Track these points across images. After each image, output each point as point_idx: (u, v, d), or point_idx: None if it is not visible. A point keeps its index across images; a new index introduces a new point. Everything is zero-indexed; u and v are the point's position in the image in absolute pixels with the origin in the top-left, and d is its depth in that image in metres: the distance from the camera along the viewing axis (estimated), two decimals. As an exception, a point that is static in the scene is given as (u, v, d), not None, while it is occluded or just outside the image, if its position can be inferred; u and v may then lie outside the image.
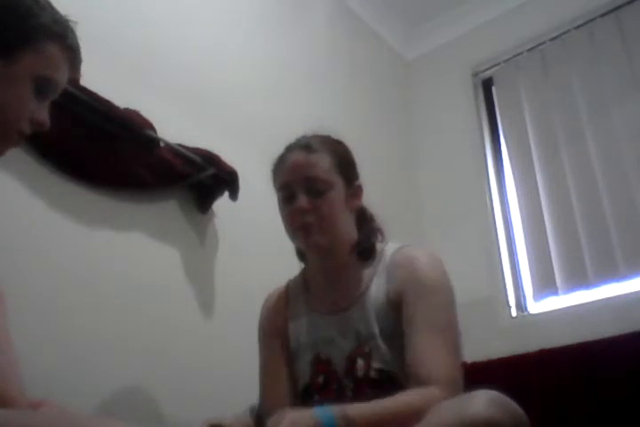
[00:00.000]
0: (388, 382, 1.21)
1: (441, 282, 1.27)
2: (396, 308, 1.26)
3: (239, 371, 1.80)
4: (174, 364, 1.74)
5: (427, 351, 1.16)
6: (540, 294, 2.66)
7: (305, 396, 1.30)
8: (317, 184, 1.32)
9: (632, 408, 2.02)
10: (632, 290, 2.42)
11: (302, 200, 1.30)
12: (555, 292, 2.61)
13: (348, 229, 1.37)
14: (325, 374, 1.29)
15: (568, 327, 2.39)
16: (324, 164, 1.35)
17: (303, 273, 1.49)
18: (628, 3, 2.79)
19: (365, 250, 1.37)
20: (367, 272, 1.35)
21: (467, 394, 1.04)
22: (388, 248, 1.38)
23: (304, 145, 1.38)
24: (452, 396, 1.09)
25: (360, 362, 1.25)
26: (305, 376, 1.32)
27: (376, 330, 1.26)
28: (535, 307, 2.68)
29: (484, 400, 0.97)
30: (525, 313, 2.69)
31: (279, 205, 1.38)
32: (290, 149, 1.40)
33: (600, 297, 2.48)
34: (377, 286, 1.32)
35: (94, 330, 1.59)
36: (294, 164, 1.35)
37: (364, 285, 1.33)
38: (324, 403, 1.23)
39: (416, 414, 1.04)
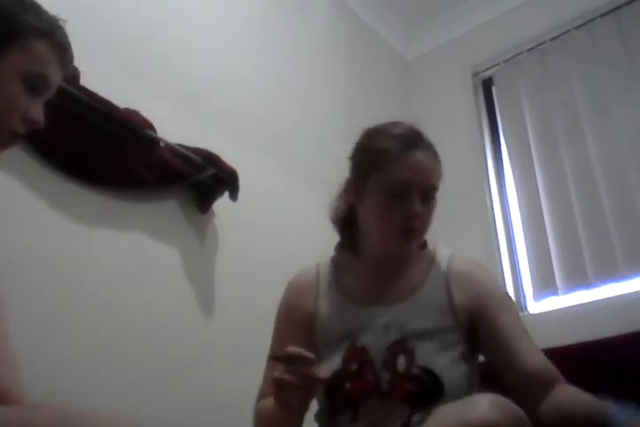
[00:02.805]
0: (430, 380, 1.20)
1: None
2: (462, 311, 1.28)
3: (239, 370, 1.80)
4: (174, 363, 1.74)
5: (536, 354, 1.24)
6: (539, 294, 2.66)
7: (333, 383, 1.26)
8: (434, 193, 1.32)
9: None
10: (632, 290, 2.41)
11: (419, 206, 1.28)
12: (555, 292, 2.60)
13: None
14: (359, 362, 1.26)
15: (568, 327, 2.39)
16: (441, 172, 1.34)
17: (339, 259, 1.44)
18: (628, 3, 2.79)
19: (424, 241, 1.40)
20: (420, 269, 1.35)
21: (469, 397, 1.03)
22: (441, 251, 1.39)
23: (429, 147, 1.34)
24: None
25: (402, 357, 1.23)
26: (335, 364, 1.28)
27: (426, 327, 1.26)
28: (535, 307, 2.68)
29: (486, 403, 0.97)
30: (525, 313, 2.69)
31: (380, 197, 1.31)
32: (411, 145, 1.31)
33: (600, 297, 2.48)
34: (435, 287, 1.31)
35: (94, 330, 1.59)
36: (423, 167, 1.30)
37: (417, 282, 1.33)
38: (357, 393, 1.23)
39: None
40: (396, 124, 1.39)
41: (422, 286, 1.32)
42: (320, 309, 1.36)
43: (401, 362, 1.23)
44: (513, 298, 2.70)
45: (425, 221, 1.31)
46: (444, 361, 1.22)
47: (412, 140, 1.33)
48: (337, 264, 1.43)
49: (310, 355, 1.07)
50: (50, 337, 1.49)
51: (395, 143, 1.32)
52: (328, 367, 1.27)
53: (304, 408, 1.19)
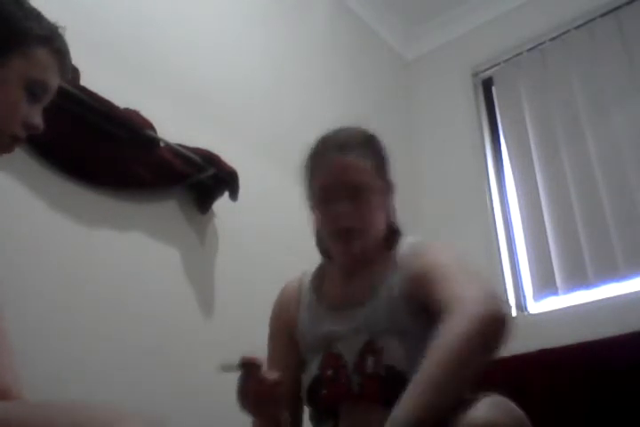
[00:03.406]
0: (397, 381, 1.18)
1: (457, 255, 1.27)
2: (410, 297, 1.25)
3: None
4: (173, 364, 1.74)
5: (450, 285, 1.15)
6: (539, 294, 2.66)
7: (312, 390, 1.29)
8: (359, 189, 1.30)
9: (632, 408, 2.02)
10: (632, 290, 2.41)
11: (344, 205, 1.29)
12: (555, 292, 2.61)
13: (381, 226, 1.36)
14: (335, 368, 1.27)
15: (568, 327, 2.39)
16: (365, 167, 1.33)
17: (321, 268, 1.46)
18: (628, 3, 2.79)
19: (393, 239, 1.38)
20: (383, 268, 1.34)
21: (468, 398, 1.03)
22: (402, 245, 1.36)
23: (344, 146, 1.33)
24: (492, 303, 1.08)
25: (370, 359, 1.23)
26: (314, 370, 1.30)
27: (388, 325, 1.25)
28: (535, 307, 2.68)
29: (485, 404, 0.97)
30: (525, 313, 2.69)
31: (314, 203, 1.35)
32: (328, 148, 1.34)
33: (600, 297, 2.48)
34: (391, 283, 1.31)
35: (94, 330, 1.59)
36: (336, 167, 1.31)
37: (379, 281, 1.32)
38: (332, 398, 1.24)
39: (468, 342, 1.04)
40: (338, 130, 1.39)
41: (382, 285, 1.31)
42: (301, 318, 1.39)
43: (370, 363, 1.23)
44: (512, 298, 2.72)
45: (358, 219, 1.30)
46: (410, 357, 1.19)
47: (338, 144, 1.33)
48: (319, 272, 1.45)
49: (260, 360, 1.13)
50: (50, 337, 1.49)
51: (321, 150, 1.35)
52: (309, 374, 1.30)
53: (278, 415, 1.21)
